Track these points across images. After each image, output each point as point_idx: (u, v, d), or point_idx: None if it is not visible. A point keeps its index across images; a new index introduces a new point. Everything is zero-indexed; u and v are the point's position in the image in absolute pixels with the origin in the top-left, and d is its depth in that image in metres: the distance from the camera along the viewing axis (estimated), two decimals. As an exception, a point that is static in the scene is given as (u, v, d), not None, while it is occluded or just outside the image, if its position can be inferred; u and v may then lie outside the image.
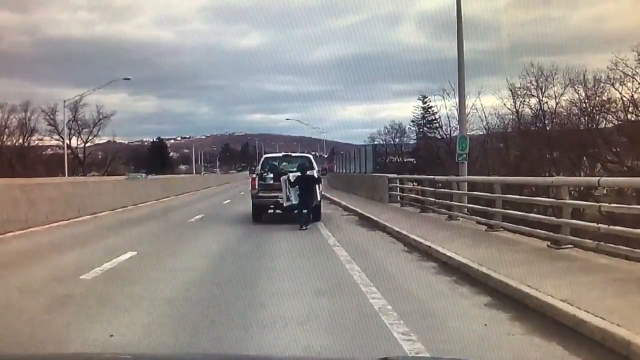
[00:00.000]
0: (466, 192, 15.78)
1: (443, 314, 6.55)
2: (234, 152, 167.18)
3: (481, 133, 58.03)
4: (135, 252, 10.74)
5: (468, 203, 16.12)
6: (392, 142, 78.68)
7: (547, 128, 52.60)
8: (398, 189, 22.23)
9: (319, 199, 16.09)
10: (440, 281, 8.42)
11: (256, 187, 17.06)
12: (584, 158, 47.44)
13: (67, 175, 47.46)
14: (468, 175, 18.04)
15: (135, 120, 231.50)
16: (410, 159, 75.32)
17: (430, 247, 10.98)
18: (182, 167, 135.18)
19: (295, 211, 15.91)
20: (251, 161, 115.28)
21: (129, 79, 49.56)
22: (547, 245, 10.36)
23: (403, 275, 8.89)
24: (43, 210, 15.90)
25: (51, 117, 70.48)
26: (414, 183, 21.89)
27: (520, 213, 12.06)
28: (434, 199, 16.92)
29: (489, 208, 13.41)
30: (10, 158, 55.50)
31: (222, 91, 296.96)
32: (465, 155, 16.22)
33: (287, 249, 11.56)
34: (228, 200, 29.15)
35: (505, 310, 6.73)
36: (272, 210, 17.56)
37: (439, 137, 68.86)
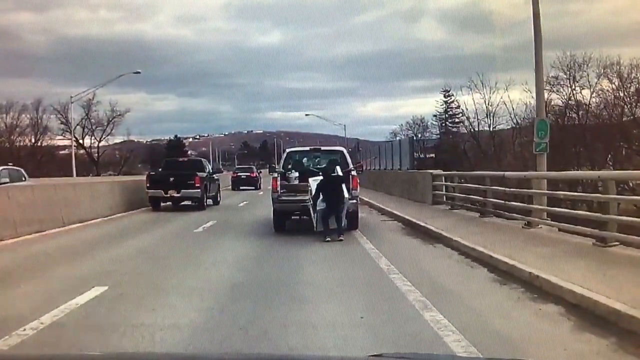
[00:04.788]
0: (550, 191, 12.16)
1: None
2: (252, 150, 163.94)
3: (507, 127, 54.61)
4: (105, 288, 7.32)
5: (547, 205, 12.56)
6: (414, 138, 75.28)
7: (583, 120, 48.78)
8: (444, 187, 18.67)
9: (346, 196, 12.62)
10: (590, 348, 4.92)
11: (278, 188, 13.53)
12: (610, 151, 43.81)
13: (75, 175, 44.42)
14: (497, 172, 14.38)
15: (154, 119, 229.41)
16: (430, 155, 71.79)
17: (538, 276, 7.44)
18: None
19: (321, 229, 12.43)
20: (270, 159, 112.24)
21: (139, 72, 46.03)
22: None
23: (524, 335, 5.39)
24: (8, 219, 12.58)
25: (63, 115, 67.64)
26: (462, 180, 18.31)
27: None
28: (503, 201, 13.30)
29: (594, 214, 9.89)
30: (17, 156, 52.54)
31: (242, 89, 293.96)
32: (545, 144, 12.50)
33: (325, 281, 7.98)
34: (245, 202, 25.72)
35: None
36: (297, 217, 14.09)
37: (463, 131, 65.48)
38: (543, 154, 12.63)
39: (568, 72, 48.65)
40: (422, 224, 14.12)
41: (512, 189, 13.12)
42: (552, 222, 11.75)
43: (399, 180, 25.11)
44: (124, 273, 8.54)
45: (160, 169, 23.19)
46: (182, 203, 21.19)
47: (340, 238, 12.05)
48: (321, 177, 12.87)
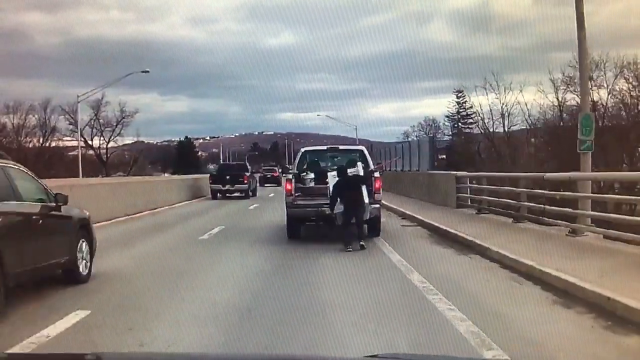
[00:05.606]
0: (597, 195, 10.83)
1: None
2: (263, 151, 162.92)
3: (523, 128, 53.06)
4: (87, 312, 6.13)
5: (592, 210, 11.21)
6: (433, 138, 74.05)
7: (600, 120, 47.18)
8: (469, 190, 17.35)
9: (366, 201, 11.36)
10: None
11: (292, 192, 12.23)
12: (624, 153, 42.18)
13: (81, 176, 43.40)
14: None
15: (165, 120, 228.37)
16: (442, 156, 70.58)
17: (609, 298, 6.15)
18: (210, 166, 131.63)
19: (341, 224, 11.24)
20: (280, 160, 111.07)
21: (147, 71, 44.99)
22: None
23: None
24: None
25: (71, 116, 66.75)
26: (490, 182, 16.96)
27: None
28: (542, 206, 11.98)
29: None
30: (24, 156, 51.55)
31: (253, 90, 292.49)
32: (589, 142, 11.13)
33: (350, 302, 6.70)
34: (255, 205, 24.54)
35: None
36: (313, 222, 12.82)
37: (477, 132, 64.20)
38: (588, 152, 11.29)
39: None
40: (452, 230, 12.85)
41: (551, 192, 11.79)
42: (599, 229, 10.45)
43: (417, 181, 23.80)
44: (114, 289, 7.33)
45: (216, 170, 33.44)
46: (233, 194, 29.32)
47: (362, 244, 10.82)
48: (336, 178, 11.61)
